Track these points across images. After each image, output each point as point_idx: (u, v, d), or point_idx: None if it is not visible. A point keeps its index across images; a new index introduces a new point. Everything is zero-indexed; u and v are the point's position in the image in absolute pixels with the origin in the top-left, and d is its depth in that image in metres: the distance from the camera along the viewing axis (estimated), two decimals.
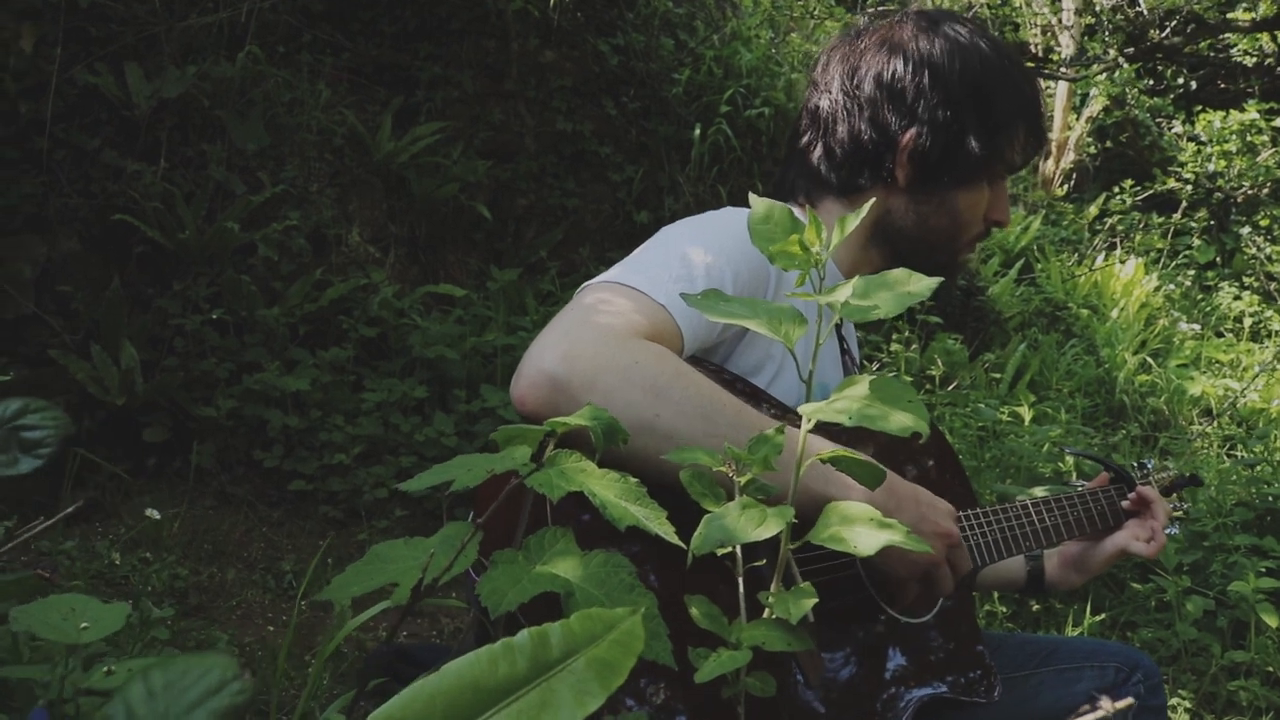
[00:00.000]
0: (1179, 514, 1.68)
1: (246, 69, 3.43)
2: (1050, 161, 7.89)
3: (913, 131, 1.28)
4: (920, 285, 0.68)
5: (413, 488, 0.72)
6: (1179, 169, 7.97)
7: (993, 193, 1.36)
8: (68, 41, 3.28)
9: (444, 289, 3.56)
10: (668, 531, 0.66)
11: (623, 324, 1.00)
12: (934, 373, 3.93)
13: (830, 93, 1.35)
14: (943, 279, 0.70)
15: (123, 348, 3.01)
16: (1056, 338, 5.19)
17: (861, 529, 0.63)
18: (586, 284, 1.13)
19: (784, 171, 1.44)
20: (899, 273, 0.70)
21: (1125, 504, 1.58)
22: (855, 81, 1.32)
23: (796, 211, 1.41)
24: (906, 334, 4.04)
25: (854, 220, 0.68)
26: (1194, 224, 7.91)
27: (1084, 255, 6.86)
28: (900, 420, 0.59)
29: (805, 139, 1.38)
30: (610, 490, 0.68)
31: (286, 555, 2.37)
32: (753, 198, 0.71)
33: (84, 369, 2.93)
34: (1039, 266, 6.07)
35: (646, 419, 0.95)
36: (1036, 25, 7.44)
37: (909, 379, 3.83)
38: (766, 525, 0.62)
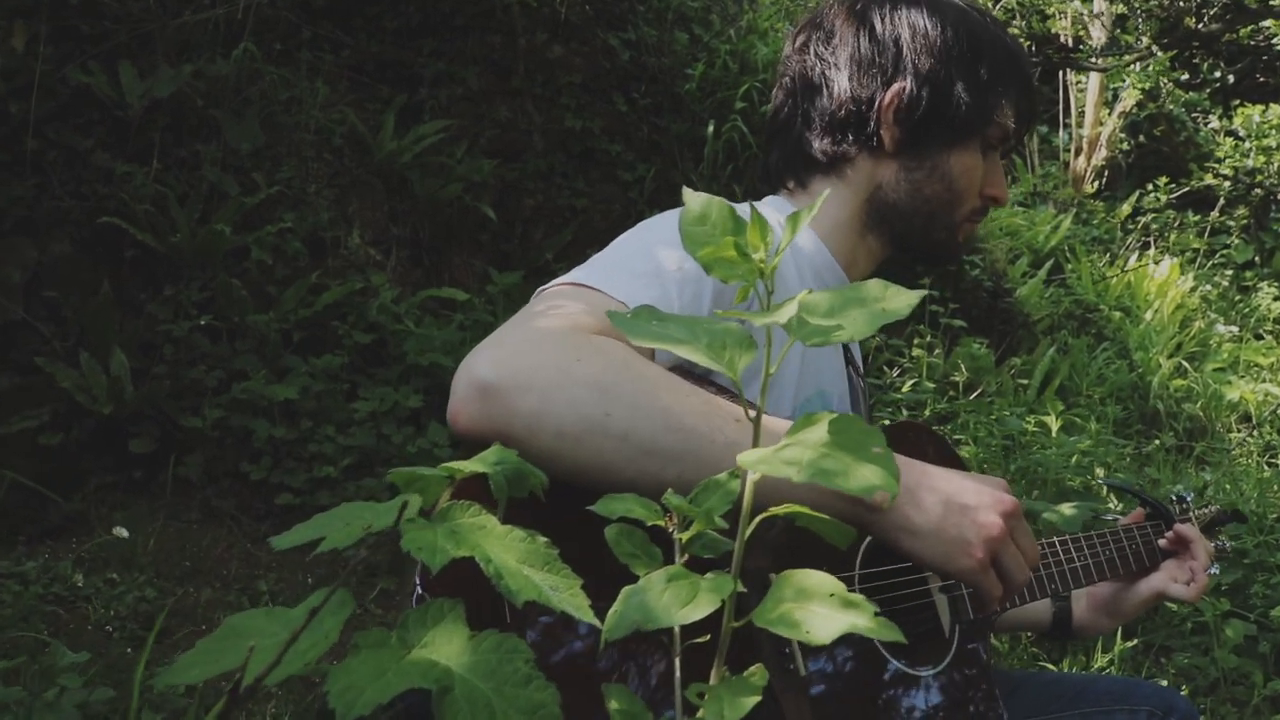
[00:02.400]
0: (1222, 554, 1.53)
1: (242, 67, 3.33)
2: (1081, 158, 7.66)
3: (896, 86, 1.18)
4: (899, 301, 0.54)
5: (283, 544, 0.59)
6: (1216, 165, 7.71)
7: (988, 165, 1.25)
8: (59, 40, 3.20)
9: (446, 293, 3.44)
10: (578, 607, 0.53)
11: (566, 323, 0.88)
12: (958, 379, 3.76)
13: (807, 59, 1.25)
14: (924, 291, 0.56)
15: (113, 355, 2.92)
16: (1087, 341, 4.99)
17: (819, 608, 0.50)
18: (542, 287, 1.02)
19: (765, 156, 1.33)
20: (873, 285, 0.57)
21: (1162, 543, 1.44)
22: (832, 45, 1.23)
23: (779, 202, 1.28)
24: (929, 338, 3.88)
25: (807, 216, 0.54)
26: (1232, 222, 7.64)
27: (1116, 255, 6.64)
28: (863, 477, 0.45)
29: (784, 114, 1.28)
30: (511, 553, 0.55)
31: (267, 574, 2.26)
32: (686, 193, 0.58)
33: (71, 377, 2.84)
34: (1069, 267, 5.87)
35: (596, 419, 0.82)
36: (1066, 15, 7.22)
37: (931, 386, 3.66)
38: (697, 603, 0.49)
